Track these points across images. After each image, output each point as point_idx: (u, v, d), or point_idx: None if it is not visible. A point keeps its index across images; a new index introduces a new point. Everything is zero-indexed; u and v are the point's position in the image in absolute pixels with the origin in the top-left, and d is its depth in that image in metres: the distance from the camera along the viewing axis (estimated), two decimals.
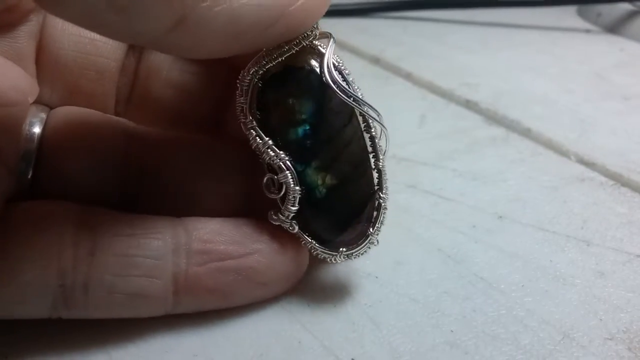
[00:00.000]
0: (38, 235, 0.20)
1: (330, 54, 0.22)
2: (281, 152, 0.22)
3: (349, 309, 0.23)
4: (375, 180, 0.23)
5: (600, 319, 0.23)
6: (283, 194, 0.22)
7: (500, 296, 0.24)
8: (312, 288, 0.24)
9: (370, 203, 0.23)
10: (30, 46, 0.23)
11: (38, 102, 0.23)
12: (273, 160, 0.22)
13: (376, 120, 0.22)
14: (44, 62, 0.24)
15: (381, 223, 0.23)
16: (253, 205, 0.23)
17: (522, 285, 0.25)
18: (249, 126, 0.22)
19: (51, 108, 0.23)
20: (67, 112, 0.23)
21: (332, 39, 0.22)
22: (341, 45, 0.52)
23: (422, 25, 0.60)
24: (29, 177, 0.22)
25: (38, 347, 0.21)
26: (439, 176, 0.33)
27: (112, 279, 0.20)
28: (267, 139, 0.22)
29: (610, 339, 0.22)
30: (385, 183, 0.23)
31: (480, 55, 0.51)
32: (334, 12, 0.59)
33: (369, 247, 0.23)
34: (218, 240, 0.22)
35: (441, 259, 0.26)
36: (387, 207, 0.23)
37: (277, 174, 0.22)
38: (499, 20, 0.61)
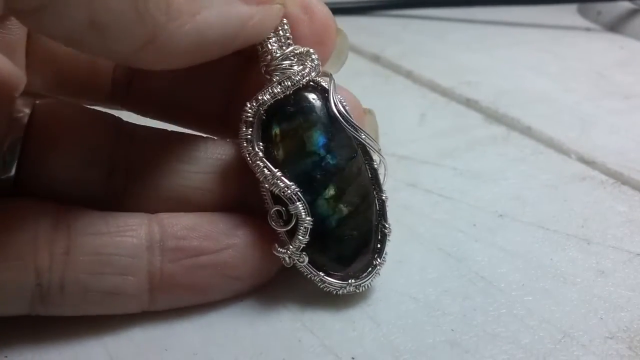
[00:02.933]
0: (14, 235, 0.20)
1: (333, 89, 0.22)
2: (291, 183, 0.22)
3: (349, 308, 0.23)
4: (378, 212, 0.24)
5: (601, 318, 0.23)
6: (292, 226, 0.22)
7: (500, 295, 0.24)
8: (313, 287, 0.24)
9: (375, 234, 0.23)
10: (22, 37, 0.23)
11: (28, 92, 0.23)
12: (283, 192, 0.22)
13: (377, 152, 0.23)
14: (35, 51, 0.23)
15: (386, 253, 0.23)
16: (242, 205, 0.23)
17: (523, 284, 0.24)
18: (256, 158, 0.22)
19: (41, 98, 0.23)
20: (53, 106, 0.23)
21: (332, 77, 0.23)
22: None
23: (423, 23, 0.60)
24: (13, 172, 0.22)
25: (38, 346, 0.21)
26: (440, 175, 0.33)
27: (87, 277, 0.21)
28: (275, 170, 0.22)
29: (611, 338, 0.22)
30: (387, 214, 0.24)
31: (480, 54, 0.51)
32: (334, 10, 0.59)
33: (374, 278, 0.23)
34: (192, 236, 0.22)
35: (441, 258, 0.26)
36: (391, 238, 0.24)
37: (286, 206, 0.22)
38: (499, 18, 0.61)
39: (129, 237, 0.21)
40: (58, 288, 0.20)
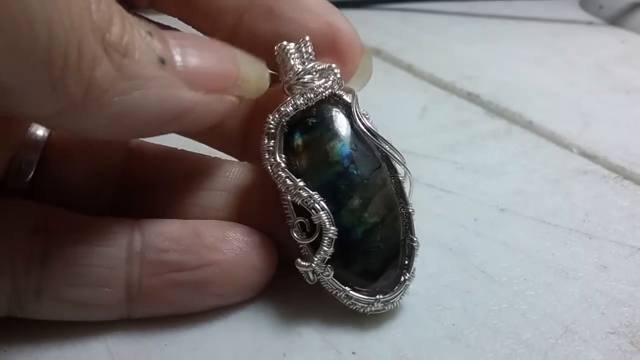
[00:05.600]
0: None
1: (356, 103, 0.22)
2: (314, 192, 0.21)
3: None
4: (405, 225, 0.23)
5: (603, 313, 0.23)
6: (315, 239, 0.21)
7: (501, 290, 0.24)
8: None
9: (402, 248, 0.23)
10: None
11: None
12: (306, 202, 0.21)
13: (402, 165, 0.23)
14: None
15: (414, 269, 0.23)
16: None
17: (524, 279, 0.24)
18: (278, 169, 0.21)
19: None
20: None
21: (354, 92, 0.23)
22: None
23: (423, 17, 0.60)
24: (28, 180, 0.22)
25: (38, 342, 0.21)
26: (441, 169, 0.32)
27: (62, 288, 0.20)
28: (298, 180, 0.21)
29: (613, 333, 0.22)
30: (414, 228, 0.23)
31: (481, 48, 0.51)
32: (335, 4, 0.59)
33: (404, 295, 0.22)
34: (174, 249, 0.21)
35: (443, 253, 0.26)
36: (419, 253, 0.23)
37: (309, 217, 0.21)
38: (501, 12, 0.61)
39: (108, 247, 0.20)
40: (34, 296, 0.20)
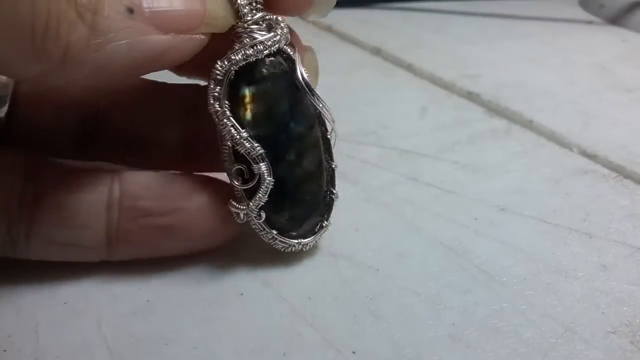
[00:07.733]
0: None
1: (299, 60, 0.23)
2: (257, 144, 0.22)
3: (350, 302, 0.23)
4: (328, 179, 0.25)
5: (603, 312, 0.23)
6: (254, 185, 0.23)
7: (502, 289, 0.24)
8: (313, 281, 0.24)
9: (323, 199, 0.25)
10: None
11: None
12: (249, 152, 0.22)
13: (331, 123, 0.24)
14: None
15: (331, 217, 0.25)
16: (193, 147, 0.25)
17: (524, 278, 0.24)
18: (224, 116, 0.22)
19: None
20: None
21: (296, 48, 0.23)
22: (341, 37, 0.52)
23: (423, 16, 0.60)
24: (1, 121, 0.24)
25: (38, 342, 0.21)
26: (441, 168, 0.32)
27: (50, 230, 0.22)
28: (243, 130, 0.22)
29: (613, 333, 0.22)
30: (335, 181, 0.25)
31: (481, 47, 0.51)
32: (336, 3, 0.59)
33: (320, 237, 0.25)
34: (146, 196, 0.23)
35: (443, 252, 0.26)
36: (337, 203, 0.25)
37: (248, 165, 0.22)
38: (501, 11, 0.61)
39: (90, 194, 0.22)
40: (25, 238, 0.22)
